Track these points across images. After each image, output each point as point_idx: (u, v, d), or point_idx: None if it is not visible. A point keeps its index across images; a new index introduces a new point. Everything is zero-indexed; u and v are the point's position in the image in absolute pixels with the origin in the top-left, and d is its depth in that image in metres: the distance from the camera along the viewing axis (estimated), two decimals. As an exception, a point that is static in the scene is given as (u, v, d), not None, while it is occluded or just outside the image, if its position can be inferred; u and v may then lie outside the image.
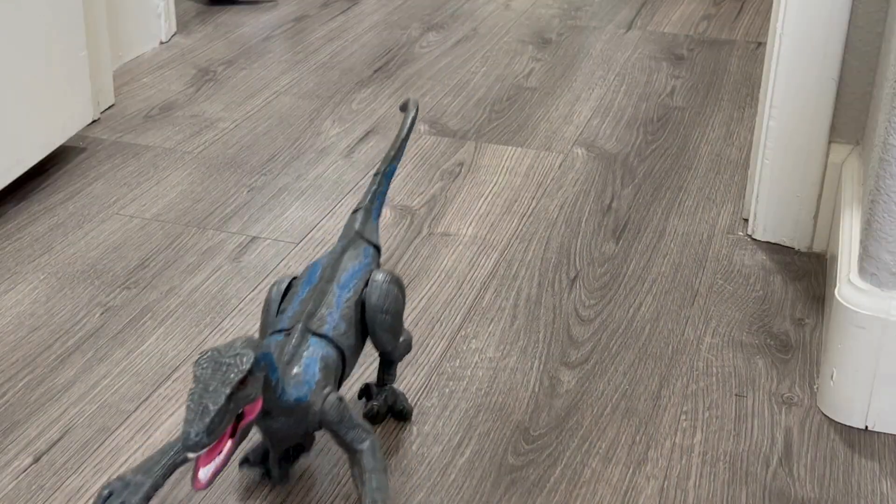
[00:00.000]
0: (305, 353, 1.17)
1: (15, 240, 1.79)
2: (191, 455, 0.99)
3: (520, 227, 1.88)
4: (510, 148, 2.16)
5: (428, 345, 1.56)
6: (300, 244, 1.80)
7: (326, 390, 1.16)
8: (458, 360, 1.53)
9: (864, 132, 1.72)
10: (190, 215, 1.88)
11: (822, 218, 1.80)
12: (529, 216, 1.91)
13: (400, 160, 1.36)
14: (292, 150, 2.13)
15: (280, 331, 1.20)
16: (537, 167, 2.09)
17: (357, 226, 1.33)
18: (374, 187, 1.36)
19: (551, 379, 1.50)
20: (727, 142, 2.21)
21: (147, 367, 1.49)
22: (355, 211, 1.35)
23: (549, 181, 2.04)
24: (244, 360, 1.03)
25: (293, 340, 1.17)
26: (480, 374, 1.51)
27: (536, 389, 1.48)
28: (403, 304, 1.30)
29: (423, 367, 1.51)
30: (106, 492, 1.15)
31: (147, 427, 1.38)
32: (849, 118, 1.75)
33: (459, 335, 1.58)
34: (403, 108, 1.41)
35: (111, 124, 2.20)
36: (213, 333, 1.56)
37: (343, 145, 2.16)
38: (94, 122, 2.15)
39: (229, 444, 1.02)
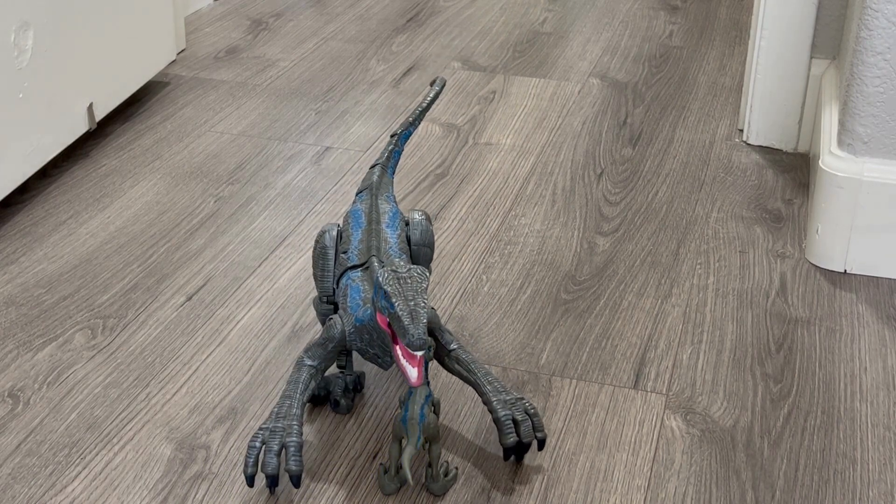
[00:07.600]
0: None
1: (128, 150, 2.12)
2: (418, 353, 1.19)
3: (550, 138, 2.22)
4: (534, 79, 2.50)
5: (485, 222, 1.90)
6: (367, 152, 2.14)
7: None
8: (512, 232, 1.87)
9: (839, 47, 2.07)
10: (271, 131, 2.21)
11: (805, 123, 2.15)
12: (557, 130, 2.26)
13: (417, 127, 1.56)
14: (347, 83, 2.46)
15: (354, 266, 1.38)
16: (559, 93, 2.43)
17: (375, 179, 1.49)
18: (391, 147, 1.53)
19: (589, 243, 1.84)
20: (721, 73, 2.56)
21: (261, 237, 1.83)
22: (373, 166, 1.51)
23: (570, 104, 2.38)
24: (422, 271, 1.24)
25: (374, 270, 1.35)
26: (531, 241, 1.85)
27: (578, 250, 1.82)
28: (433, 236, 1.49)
29: (484, 237, 1.85)
30: (258, 442, 1.28)
31: (271, 276, 1.72)
32: (827, 36, 2.10)
33: (511, 214, 1.93)
34: (433, 83, 1.60)
35: (187, 64, 2.54)
36: (309, 214, 1.90)
37: (389, 78, 2.49)
38: (172, 62, 2.48)
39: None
